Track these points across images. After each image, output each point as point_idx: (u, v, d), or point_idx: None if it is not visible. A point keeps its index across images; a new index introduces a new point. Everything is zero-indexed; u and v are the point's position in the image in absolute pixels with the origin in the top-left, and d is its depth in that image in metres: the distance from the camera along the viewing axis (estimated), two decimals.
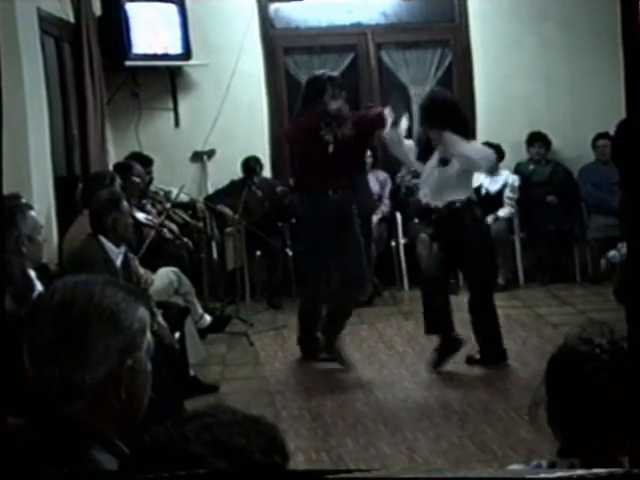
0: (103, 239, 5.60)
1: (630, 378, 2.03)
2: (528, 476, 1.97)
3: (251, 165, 8.97)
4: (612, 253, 6.91)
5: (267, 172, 9.40)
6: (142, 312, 1.91)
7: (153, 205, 8.12)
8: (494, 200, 9.22)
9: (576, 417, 2.14)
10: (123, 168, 7.73)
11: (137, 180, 7.69)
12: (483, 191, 9.26)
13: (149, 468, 1.48)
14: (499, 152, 9.19)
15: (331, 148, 6.42)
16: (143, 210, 7.74)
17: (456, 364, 6.69)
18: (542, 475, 1.84)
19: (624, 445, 2.14)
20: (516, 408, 5.58)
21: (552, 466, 2.15)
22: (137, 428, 1.91)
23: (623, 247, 7.01)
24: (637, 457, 1.96)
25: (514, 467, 2.30)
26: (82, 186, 6.90)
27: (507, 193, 9.21)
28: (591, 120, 9.20)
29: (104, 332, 1.83)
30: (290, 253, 9.01)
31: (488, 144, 9.33)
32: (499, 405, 5.79)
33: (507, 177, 9.24)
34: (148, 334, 1.93)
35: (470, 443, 5.21)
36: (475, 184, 9.37)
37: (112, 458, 1.82)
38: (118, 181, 6.82)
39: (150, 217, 7.68)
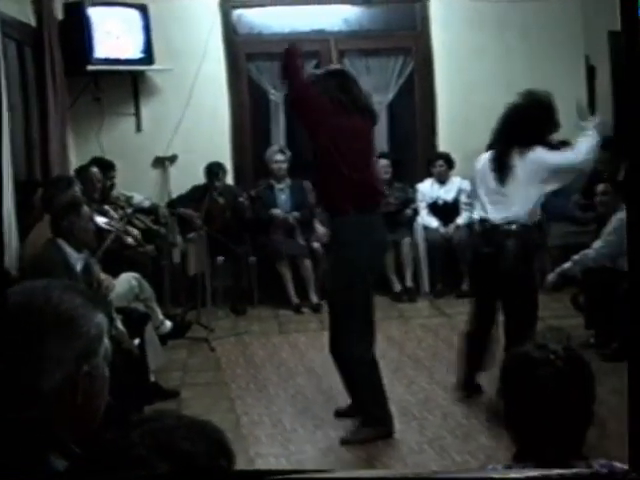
0: (63, 244, 5.57)
1: (631, 377, 2.05)
2: (497, 476, 1.99)
3: (214, 171, 8.94)
4: (568, 264, 6.96)
5: (229, 179, 9.39)
6: (100, 318, 1.90)
7: (115, 210, 8.10)
8: (452, 209, 9.35)
9: (530, 422, 2.16)
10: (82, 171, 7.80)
11: (97, 177, 7.76)
12: (440, 201, 9.37)
13: (94, 473, 1.49)
14: (448, 161, 9.35)
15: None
16: (105, 215, 7.72)
17: (415, 370, 6.74)
18: (513, 475, 1.86)
19: (577, 449, 2.17)
20: (476, 414, 5.62)
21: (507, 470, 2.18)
22: (95, 434, 1.90)
23: (578, 256, 7.06)
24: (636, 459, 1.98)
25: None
26: (42, 190, 6.87)
27: (463, 199, 9.34)
28: None
29: (61, 337, 1.82)
30: (253, 260, 9.01)
31: (438, 154, 9.48)
32: (459, 411, 5.82)
33: (459, 183, 9.39)
34: (106, 340, 1.92)
35: (429, 448, 5.23)
36: (433, 195, 9.50)
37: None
38: (78, 185, 6.80)
39: (112, 223, 7.66)
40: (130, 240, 7.79)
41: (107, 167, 8.49)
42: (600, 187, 7.19)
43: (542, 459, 2.14)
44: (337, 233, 5.44)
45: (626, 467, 2.21)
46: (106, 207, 7.93)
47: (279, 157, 9.23)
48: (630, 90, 2.06)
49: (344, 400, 5.84)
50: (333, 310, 5.48)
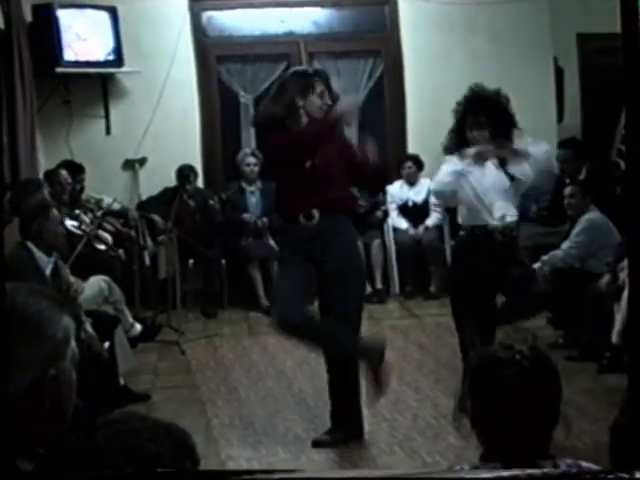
0: (33, 247, 5.55)
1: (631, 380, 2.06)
2: (467, 476, 2.00)
3: (185, 173, 8.92)
4: (537, 265, 7.00)
5: (199, 181, 9.36)
6: (66, 321, 1.89)
7: (85, 213, 8.07)
8: (421, 210, 9.38)
9: (497, 421, 2.18)
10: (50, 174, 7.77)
11: (66, 180, 7.74)
12: (410, 203, 9.39)
13: (61, 475, 1.49)
14: (417, 163, 9.36)
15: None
16: (76, 219, 7.69)
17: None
18: (483, 475, 1.87)
19: (544, 449, 2.19)
20: (445, 415, 5.62)
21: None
22: (63, 437, 1.90)
23: (547, 257, 7.12)
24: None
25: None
26: (11, 194, 6.84)
27: (432, 200, 9.35)
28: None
29: (27, 341, 1.82)
30: (223, 262, 9.00)
31: (407, 156, 9.48)
32: (428, 412, 5.84)
33: (429, 185, 9.35)
34: (72, 343, 1.91)
35: (399, 450, 5.25)
36: (402, 197, 9.51)
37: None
38: (47, 188, 6.78)
39: (83, 227, 7.63)
40: (102, 246, 7.76)
41: (77, 170, 8.47)
42: (567, 190, 7.24)
43: (509, 459, 2.15)
44: (343, 233, 5.35)
45: (593, 466, 2.23)
46: (77, 212, 7.90)
47: (251, 160, 9.22)
48: (630, 91, 2.07)
49: (314, 402, 5.87)
50: (348, 310, 5.33)
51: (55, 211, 5.72)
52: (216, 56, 9.72)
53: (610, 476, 1.65)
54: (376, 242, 9.26)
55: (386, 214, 9.47)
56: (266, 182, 9.22)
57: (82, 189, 8.59)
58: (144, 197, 9.20)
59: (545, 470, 1.90)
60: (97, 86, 9.25)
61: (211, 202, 9.00)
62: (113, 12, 8.91)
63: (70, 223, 7.32)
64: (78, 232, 7.41)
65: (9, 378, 1.81)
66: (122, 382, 6.25)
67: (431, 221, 9.33)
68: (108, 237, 8.01)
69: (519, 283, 5.52)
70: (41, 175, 8.00)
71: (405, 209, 9.44)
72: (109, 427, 1.54)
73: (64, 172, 7.95)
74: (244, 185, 9.26)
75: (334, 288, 5.26)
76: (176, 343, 7.66)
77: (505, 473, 1.87)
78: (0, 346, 1.80)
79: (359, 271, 5.48)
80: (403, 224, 9.35)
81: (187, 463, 1.54)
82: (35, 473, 1.67)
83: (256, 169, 9.19)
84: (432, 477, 1.89)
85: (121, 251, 8.16)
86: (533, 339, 2.27)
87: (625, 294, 5.85)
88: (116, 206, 8.61)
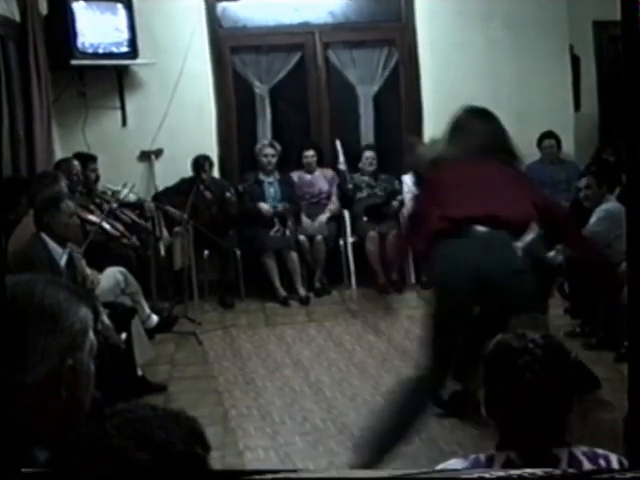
0: (47, 239, 5.58)
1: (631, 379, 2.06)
2: (464, 476, 2.00)
3: (200, 162, 8.91)
4: (552, 254, 6.95)
5: (215, 172, 9.36)
6: (84, 312, 1.90)
7: (99, 206, 8.08)
8: None
9: (511, 410, 2.17)
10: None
11: (77, 169, 7.76)
12: None
13: (73, 466, 1.50)
14: None
15: None
16: (91, 213, 7.71)
17: (402, 361, 6.74)
18: (480, 475, 1.87)
19: (559, 436, 2.18)
20: None
21: (490, 459, 2.19)
22: (80, 428, 1.91)
23: (562, 246, 7.06)
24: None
25: (453, 461, 2.34)
26: (28, 186, 6.86)
27: None
28: (537, 120, 9.29)
29: (44, 332, 1.82)
30: (239, 253, 9.00)
31: None
32: None
33: None
34: (91, 334, 1.92)
35: (417, 439, 5.24)
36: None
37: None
38: (64, 181, 6.79)
39: (95, 217, 7.66)
40: (114, 230, 7.78)
41: (88, 159, 8.45)
42: (583, 181, 7.19)
43: (524, 447, 2.15)
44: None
45: (610, 454, 2.22)
46: (92, 207, 7.92)
47: (269, 151, 9.22)
48: (630, 89, 2.06)
49: (331, 392, 5.87)
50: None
51: (68, 203, 5.73)
52: (230, 47, 9.71)
53: (629, 474, 1.65)
54: (393, 232, 9.24)
55: (402, 204, 9.45)
56: (283, 173, 9.26)
57: (97, 178, 8.58)
58: (160, 188, 9.21)
59: (547, 470, 1.89)
60: (112, 78, 9.25)
61: (228, 195, 8.98)
62: (128, 4, 8.91)
63: (85, 214, 7.34)
64: (93, 220, 7.45)
65: (26, 368, 1.82)
66: (139, 373, 6.28)
67: None
68: (120, 227, 8.03)
69: None
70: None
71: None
72: (119, 416, 1.56)
73: (76, 162, 7.96)
74: (261, 176, 9.25)
75: None
76: (193, 334, 7.67)
77: (499, 473, 1.87)
78: (7, 337, 1.81)
79: None
80: None
81: (198, 449, 1.55)
82: (52, 464, 1.68)
83: (274, 160, 9.19)
84: (434, 477, 1.89)
85: (134, 238, 8.17)
86: (545, 326, 2.26)
87: None
88: (132, 197, 8.63)
